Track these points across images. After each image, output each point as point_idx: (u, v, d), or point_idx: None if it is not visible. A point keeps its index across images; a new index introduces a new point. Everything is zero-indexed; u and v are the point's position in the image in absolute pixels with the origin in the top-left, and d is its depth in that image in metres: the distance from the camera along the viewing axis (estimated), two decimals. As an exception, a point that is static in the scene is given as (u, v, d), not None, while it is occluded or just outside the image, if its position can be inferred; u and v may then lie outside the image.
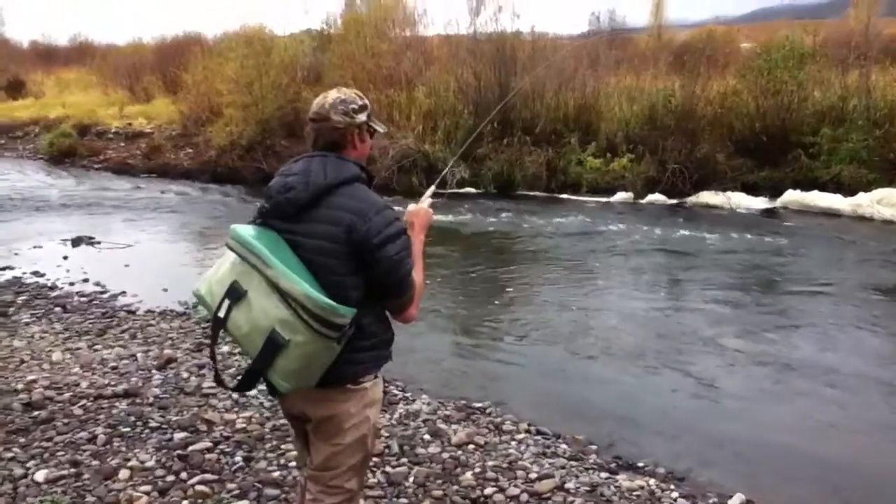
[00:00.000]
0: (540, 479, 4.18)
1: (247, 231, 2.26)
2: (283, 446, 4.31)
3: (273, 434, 4.49)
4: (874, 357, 6.76)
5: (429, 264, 9.08)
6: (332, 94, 2.39)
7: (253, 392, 5.02)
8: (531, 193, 16.29)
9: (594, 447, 4.83)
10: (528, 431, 4.95)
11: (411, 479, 4.06)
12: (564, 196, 16.11)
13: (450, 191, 15.97)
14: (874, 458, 4.89)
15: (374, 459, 4.13)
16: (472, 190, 16.43)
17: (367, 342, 2.35)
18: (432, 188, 2.89)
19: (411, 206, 2.67)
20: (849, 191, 14.48)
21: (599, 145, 16.79)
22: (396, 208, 2.44)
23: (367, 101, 2.44)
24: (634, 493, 4.14)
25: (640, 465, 4.62)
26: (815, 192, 14.67)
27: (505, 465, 4.33)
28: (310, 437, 2.51)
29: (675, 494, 4.20)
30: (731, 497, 4.19)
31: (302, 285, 2.09)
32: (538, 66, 18.00)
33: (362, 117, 2.40)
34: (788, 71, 15.96)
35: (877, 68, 16.94)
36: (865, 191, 14.25)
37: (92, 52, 35.48)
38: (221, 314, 2.18)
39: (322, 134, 2.36)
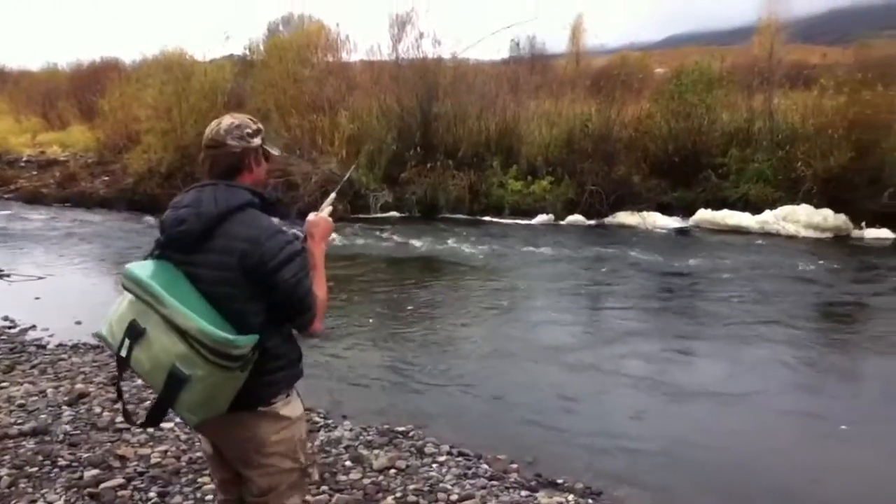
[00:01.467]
0: (461, 500, 4.22)
1: (141, 269, 2.25)
2: (199, 479, 4.23)
3: (189, 468, 4.41)
4: (781, 369, 7.04)
5: (350, 289, 9.11)
6: (227, 120, 2.40)
7: (169, 425, 4.94)
8: (455, 216, 16.50)
9: (515, 466, 4.88)
10: (449, 453, 4.98)
11: (331, 508, 4.06)
12: (487, 218, 16.39)
13: (374, 215, 16.07)
14: (784, 467, 5.06)
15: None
16: (396, 214, 16.54)
17: (275, 363, 2.38)
18: (332, 196, 2.89)
19: (311, 216, 2.66)
20: (756, 209, 15.22)
21: (521, 168, 17.17)
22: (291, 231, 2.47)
23: (261, 126, 2.47)
24: None
25: (560, 481, 4.69)
26: (725, 211, 15.36)
27: (426, 489, 4.35)
28: (238, 469, 2.51)
29: None
30: None
31: (196, 321, 2.10)
32: (460, 91, 18.34)
33: (257, 141, 2.43)
34: (698, 95, 16.70)
35: (779, 92, 17.86)
36: (771, 208, 15.01)
37: (4, 78, 34.26)
38: (123, 353, 2.18)
39: (218, 160, 2.38)
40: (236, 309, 2.24)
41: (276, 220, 2.42)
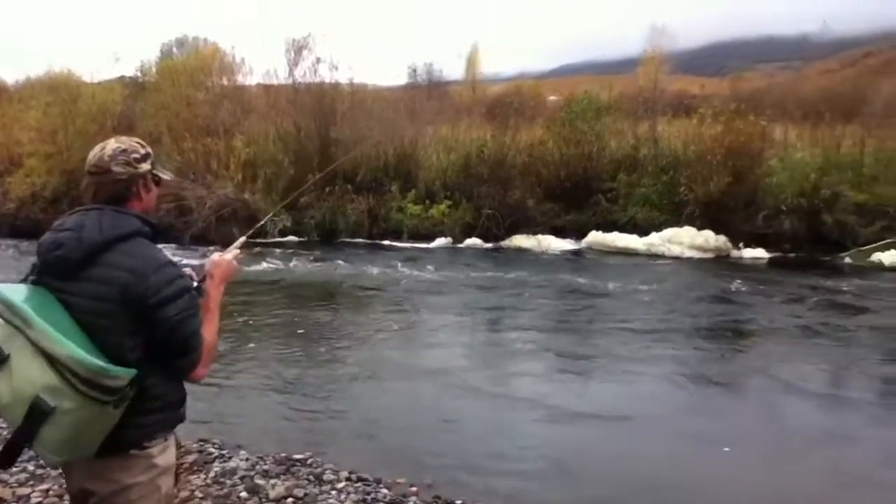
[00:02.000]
0: None
1: (11, 291, 2.04)
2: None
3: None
4: (668, 387, 7.36)
5: (245, 314, 8.92)
6: (112, 144, 2.22)
7: (46, 486, 4.71)
8: (354, 241, 16.50)
9: (414, 489, 4.91)
10: (348, 479, 4.94)
11: (226, 540, 3.99)
12: (387, 242, 16.46)
13: (272, 240, 15.84)
14: (669, 488, 5.25)
15: (186, 523, 4.02)
16: (295, 238, 16.37)
17: (151, 404, 2.18)
18: (241, 240, 2.74)
19: (214, 256, 2.51)
20: (643, 231, 15.95)
21: (419, 193, 17.36)
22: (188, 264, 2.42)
23: (149, 150, 2.30)
24: None
25: (459, 502, 4.74)
26: (615, 233, 16.01)
27: None
28: None
29: None
30: None
31: (68, 346, 1.92)
32: (358, 115, 18.39)
33: (146, 166, 2.25)
34: (588, 122, 17.38)
35: (663, 120, 18.83)
36: (657, 231, 15.77)
37: None
38: None
39: (102, 187, 2.19)
40: (112, 342, 2.05)
41: (168, 254, 2.25)
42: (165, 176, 2.37)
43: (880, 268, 14.01)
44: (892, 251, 14.25)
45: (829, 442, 6.04)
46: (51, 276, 2.13)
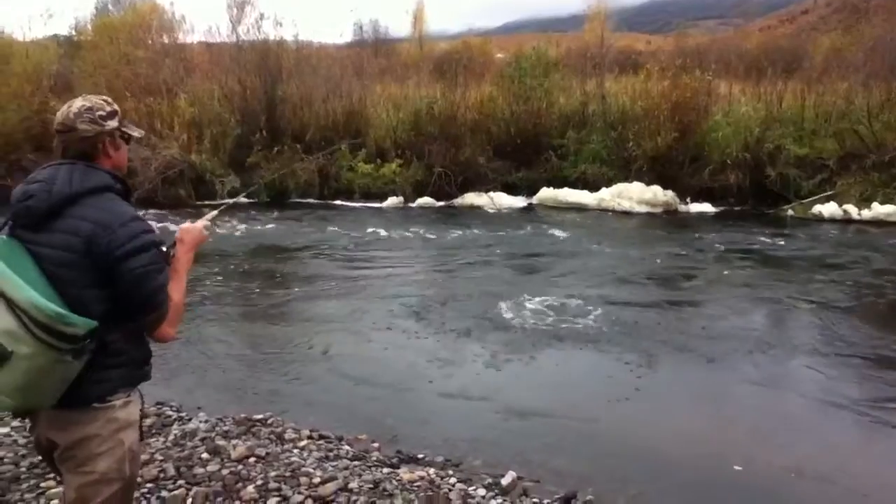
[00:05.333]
0: (323, 482, 4.23)
1: None
2: (42, 484, 4.00)
3: (30, 473, 4.15)
4: (614, 335, 7.56)
5: (197, 276, 8.76)
6: (77, 103, 2.26)
7: (5, 430, 4.64)
8: (305, 201, 16.29)
9: (376, 445, 4.98)
10: (310, 437, 4.98)
11: (189, 502, 3.97)
12: (338, 202, 16.32)
13: (221, 201, 15.54)
14: (618, 428, 5.47)
15: (148, 485, 3.99)
16: (245, 200, 16.09)
17: (113, 360, 2.21)
18: (214, 213, 2.85)
19: (185, 224, 2.59)
20: (594, 187, 16.12)
21: (369, 152, 17.18)
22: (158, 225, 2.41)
23: (116, 107, 2.33)
24: (415, 484, 4.33)
25: (421, 456, 4.83)
26: (566, 189, 16.16)
27: (288, 474, 4.33)
28: (61, 471, 2.30)
29: (452, 480, 4.45)
30: (503, 476, 4.52)
31: (27, 291, 1.96)
32: (304, 73, 18.07)
33: (112, 123, 2.29)
34: (536, 79, 17.37)
35: (610, 77, 18.93)
36: (606, 186, 15.97)
37: None
38: None
39: (70, 145, 2.23)
40: (75, 294, 2.09)
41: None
42: (135, 133, 2.41)
43: (820, 219, 14.45)
44: (832, 203, 14.69)
45: (760, 386, 6.33)
46: (21, 227, 2.18)
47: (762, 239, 12.53)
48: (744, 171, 15.59)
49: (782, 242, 12.37)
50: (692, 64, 16.43)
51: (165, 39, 19.55)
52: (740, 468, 4.77)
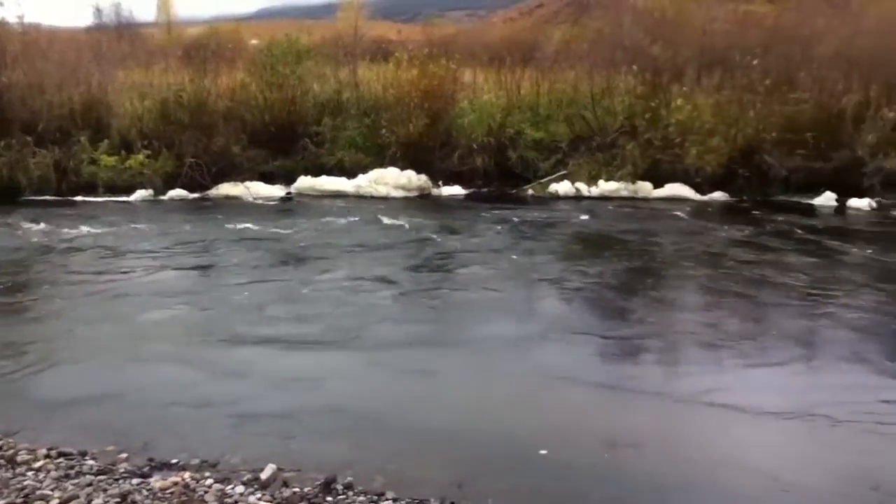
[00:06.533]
0: (63, 503, 4.06)
1: None
2: None
3: None
4: (371, 318, 7.84)
5: None
6: None
7: None
8: (41, 198, 14.84)
9: (124, 455, 4.80)
10: (48, 457, 4.69)
11: None
12: (80, 198, 15.06)
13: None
14: (378, 410, 5.68)
15: None
16: (-34, 200, 14.39)
17: None
18: None
19: None
20: (351, 174, 16.42)
21: (113, 142, 16.06)
22: None
23: None
24: (168, 491, 4.27)
25: (175, 461, 4.74)
26: (324, 177, 16.30)
27: (20, 501, 4.08)
28: None
29: (209, 482, 4.43)
30: (262, 470, 4.57)
31: None
32: (34, 58, 16.49)
33: None
34: (289, 66, 17.26)
35: (363, 65, 19.30)
36: (363, 173, 16.34)
37: None
38: None
39: None
40: None
41: None
42: None
43: (556, 197, 15.90)
44: (565, 182, 16.21)
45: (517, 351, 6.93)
46: None
47: (507, 216, 13.57)
48: (489, 154, 16.68)
49: (526, 217, 13.51)
50: (439, 53, 17.22)
51: None
52: (497, 437, 5.22)
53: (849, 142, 15.38)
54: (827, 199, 14.95)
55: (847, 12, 17.06)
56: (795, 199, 15.10)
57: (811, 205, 14.76)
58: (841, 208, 14.61)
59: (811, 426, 5.40)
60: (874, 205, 14.53)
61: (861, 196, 14.77)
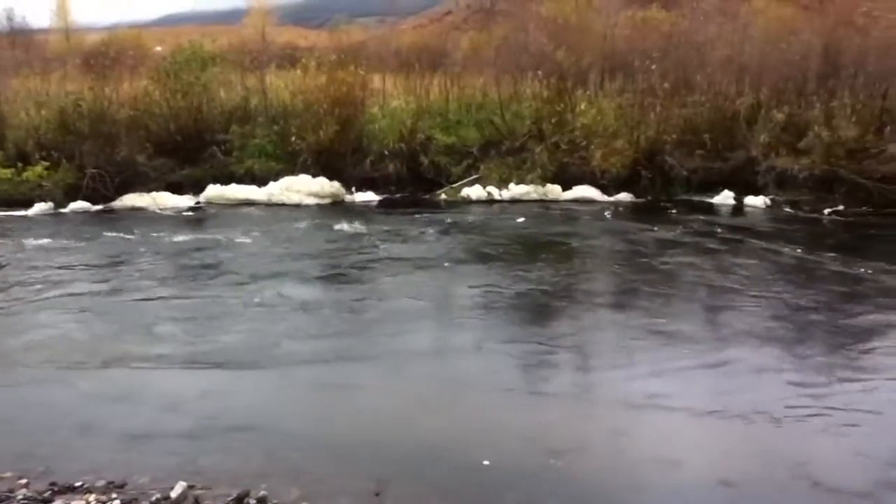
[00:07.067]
0: None
1: None
2: None
3: None
4: (308, 326, 7.86)
5: None
6: None
7: None
8: (-74, 215, 14.04)
9: (24, 481, 4.66)
10: None
11: None
12: (-29, 214, 14.33)
13: None
14: (292, 424, 5.73)
15: None
16: None
17: None
18: None
19: None
20: (262, 181, 16.20)
21: (8, 154, 15.40)
22: None
23: None
24: None
25: (79, 484, 4.62)
26: (234, 186, 16.04)
27: None
28: None
29: (117, 503, 4.37)
30: (172, 489, 4.52)
31: None
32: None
33: None
34: (194, 74, 16.90)
35: (271, 72, 19.09)
36: (275, 180, 16.14)
37: None
38: None
39: None
40: None
41: None
42: None
43: (469, 201, 16.09)
44: (477, 186, 16.43)
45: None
46: None
47: (420, 221, 13.70)
48: (401, 160, 16.76)
49: (442, 220, 13.71)
50: (348, 59, 17.20)
51: None
52: (412, 444, 5.32)
53: (743, 142, 16.20)
54: (725, 197, 15.67)
55: (737, 20, 17.95)
56: (697, 198, 15.75)
57: (711, 203, 15.43)
58: (739, 206, 15.32)
59: (739, 422, 5.67)
60: (768, 202, 15.30)
61: (756, 194, 15.54)
